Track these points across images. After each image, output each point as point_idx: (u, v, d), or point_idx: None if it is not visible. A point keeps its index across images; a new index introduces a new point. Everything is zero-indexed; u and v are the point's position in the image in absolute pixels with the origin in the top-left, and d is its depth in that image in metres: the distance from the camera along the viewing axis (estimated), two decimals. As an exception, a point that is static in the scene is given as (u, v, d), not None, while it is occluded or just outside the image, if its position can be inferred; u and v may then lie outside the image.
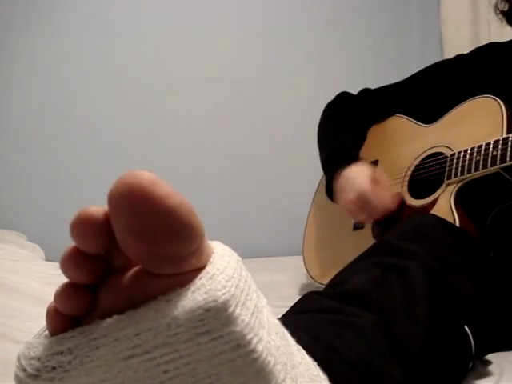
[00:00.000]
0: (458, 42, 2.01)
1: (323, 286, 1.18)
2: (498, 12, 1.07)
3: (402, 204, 1.08)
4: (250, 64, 2.11)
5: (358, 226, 1.19)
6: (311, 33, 2.18)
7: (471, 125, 0.99)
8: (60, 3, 1.95)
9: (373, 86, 1.31)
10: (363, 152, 1.23)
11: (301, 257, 1.32)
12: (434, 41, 2.17)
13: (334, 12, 2.21)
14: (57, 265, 1.18)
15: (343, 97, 1.31)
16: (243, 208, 2.08)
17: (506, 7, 1.06)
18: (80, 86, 1.96)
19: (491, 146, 0.88)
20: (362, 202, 1.04)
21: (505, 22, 1.08)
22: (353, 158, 1.12)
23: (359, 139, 1.24)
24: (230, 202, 2.06)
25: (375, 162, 1.20)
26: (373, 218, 1.08)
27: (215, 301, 0.31)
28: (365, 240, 1.13)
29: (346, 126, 1.23)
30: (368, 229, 1.16)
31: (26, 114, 1.92)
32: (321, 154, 1.24)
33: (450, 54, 1.98)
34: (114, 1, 2.00)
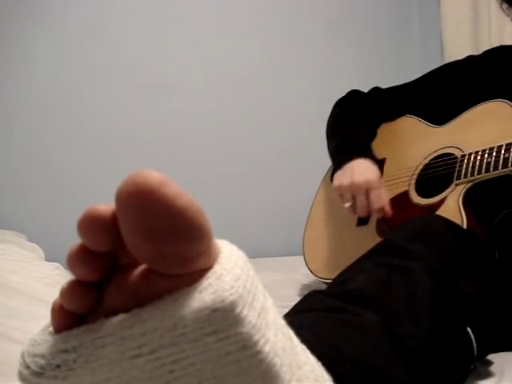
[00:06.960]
0: (458, 41, 2.01)
1: (321, 280, 1.19)
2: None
3: (408, 202, 1.08)
4: (249, 64, 2.11)
5: (361, 222, 1.19)
6: (311, 32, 2.18)
7: (483, 128, 0.99)
8: (60, 3, 1.95)
9: (373, 86, 1.31)
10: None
11: (301, 257, 1.32)
12: (434, 40, 2.17)
13: (334, 12, 2.21)
14: (57, 265, 1.18)
15: (354, 94, 1.31)
16: (243, 208, 2.08)
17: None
18: (80, 86, 1.96)
19: (503, 149, 0.89)
20: (357, 189, 1.06)
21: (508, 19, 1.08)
22: (366, 151, 1.13)
23: (370, 135, 1.25)
24: (230, 201, 2.06)
25: (383, 160, 1.20)
26: (362, 211, 1.09)
27: (223, 301, 0.30)
28: (368, 236, 1.13)
29: (357, 121, 1.23)
30: (372, 225, 1.15)
31: (27, 114, 1.92)
32: (330, 145, 1.24)
33: (449, 54, 1.99)
34: (114, 1, 1.99)
